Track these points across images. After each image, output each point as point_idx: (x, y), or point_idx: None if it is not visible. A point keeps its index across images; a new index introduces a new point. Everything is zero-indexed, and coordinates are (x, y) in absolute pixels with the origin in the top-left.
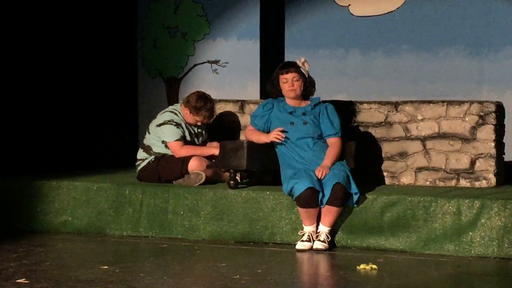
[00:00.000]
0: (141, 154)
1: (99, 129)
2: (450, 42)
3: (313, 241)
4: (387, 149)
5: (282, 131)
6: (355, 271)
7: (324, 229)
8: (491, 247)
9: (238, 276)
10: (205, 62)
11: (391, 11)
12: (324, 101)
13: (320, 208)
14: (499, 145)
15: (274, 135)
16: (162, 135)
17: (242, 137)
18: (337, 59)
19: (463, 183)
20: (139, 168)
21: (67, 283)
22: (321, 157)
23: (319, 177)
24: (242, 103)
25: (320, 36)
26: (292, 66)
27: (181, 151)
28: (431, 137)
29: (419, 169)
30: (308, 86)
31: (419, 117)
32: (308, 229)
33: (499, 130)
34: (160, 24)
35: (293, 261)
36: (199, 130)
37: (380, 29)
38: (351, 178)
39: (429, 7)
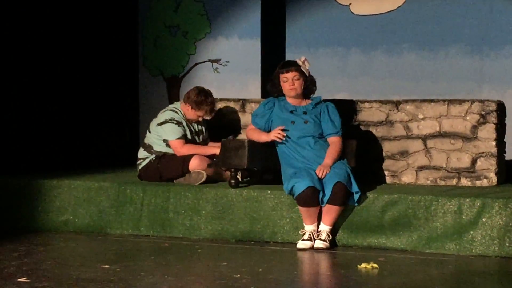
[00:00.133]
0: (142, 153)
1: (100, 128)
2: (451, 41)
3: (314, 240)
4: (388, 148)
5: (283, 130)
6: (356, 270)
7: (325, 228)
8: (492, 246)
9: (239, 275)
10: (206, 61)
11: (392, 10)
12: (325, 100)
13: (321, 207)
14: (500, 144)
15: (275, 134)
16: (163, 134)
17: (243, 136)
18: (338, 58)
19: (464, 182)
20: (140, 167)
21: (68, 282)
22: (322, 156)
23: (319, 176)
24: (243, 102)
25: (321, 35)
26: (292, 65)
27: (183, 149)
28: (432, 136)
29: (420, 168)
30: (308, 85)
31: (420, 116)
32: (309, 228)
33: (500, 129)
34: (161, 23)
35: (294, 260)
36: (200, 128)
37: (381, 28)
38: (352, 177)
39: (430, 6)
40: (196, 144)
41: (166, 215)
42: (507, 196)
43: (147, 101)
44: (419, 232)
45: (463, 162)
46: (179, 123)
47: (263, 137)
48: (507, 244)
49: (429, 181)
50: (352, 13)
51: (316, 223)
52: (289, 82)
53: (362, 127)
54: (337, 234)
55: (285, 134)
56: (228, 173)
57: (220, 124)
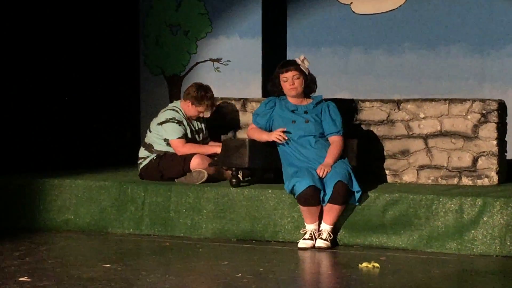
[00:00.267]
0: (142, 152)
1: (101, 127)
2: (452, 40)
3: (315, 239)
4: (389, 147)
5: (284, 132)
6: (357, 269)
7: (326, 227)
8: (493, 245)
9: (240, 274)
10: (207, 60)
11: (393, 9)
12: (326, 99)
13: (322, 206)
14: (501, 143)
15: (276, 135)
16: (164, 133)
17: (244, 135)
18: (339, 57)
19: (465, 181)
20: (141, 166)
21: (69, 281)
22: (323, 155)
23: (320, 176)
24: (244, 101)
25: (322, 34)
26: (292, 65)
27: (184, 149)
28: (433, 135)
29: (421, 167)
30: (309, 83)
31: (421, 115)
32: (310, 227)
33: (501, 128)
34: (162, 22)
35: (295, 259)
36: (200, 126)
37: (382, 27)
38: (353, 176)
39: (431, 5)
40: (197, 142)
41: (167, 214)
42: (508, 195)
43: (148, 100)
44: (420, 231)
45: (464, 161)
46: (179, 123)
47: (264, 137)
48: (508, 243)
49: (430, 180)
50: (353, 12)
51: (317, 222)
52: (289, 81)
53: (363, 126)
54: (338, 233)
55: (286, 137)
56: (229, 172)
57: (221, 123)
